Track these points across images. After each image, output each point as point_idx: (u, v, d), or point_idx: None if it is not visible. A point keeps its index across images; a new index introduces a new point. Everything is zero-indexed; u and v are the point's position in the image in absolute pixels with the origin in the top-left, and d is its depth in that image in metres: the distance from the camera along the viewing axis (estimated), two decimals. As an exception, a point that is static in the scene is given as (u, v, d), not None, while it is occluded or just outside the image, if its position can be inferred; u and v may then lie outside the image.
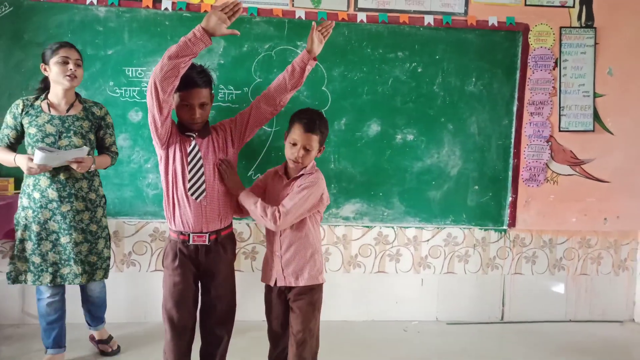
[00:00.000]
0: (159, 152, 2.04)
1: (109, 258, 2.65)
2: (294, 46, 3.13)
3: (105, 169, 2.68)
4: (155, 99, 1.86)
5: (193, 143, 2.01)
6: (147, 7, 3.02)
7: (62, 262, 2.50)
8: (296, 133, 2.00)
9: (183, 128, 2.04)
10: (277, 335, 2.16)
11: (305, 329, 2.03)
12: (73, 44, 2.52)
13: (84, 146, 2.43)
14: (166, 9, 3.02)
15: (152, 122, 1.95)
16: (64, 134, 2.45)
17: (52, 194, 2.44)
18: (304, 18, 3.12)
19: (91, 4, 2.98)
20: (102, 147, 2.64)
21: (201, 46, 1.83)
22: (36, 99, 2.51)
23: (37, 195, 2.44)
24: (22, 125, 2.46)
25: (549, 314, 3.51)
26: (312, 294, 2.07)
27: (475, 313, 3.46)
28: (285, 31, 3.12)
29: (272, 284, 2.10)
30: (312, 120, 2.01)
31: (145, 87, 3.05)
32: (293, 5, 3.13)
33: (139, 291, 3.23)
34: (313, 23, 2.06)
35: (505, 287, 3.49)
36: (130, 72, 3.05)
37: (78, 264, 2.50)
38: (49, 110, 2.47)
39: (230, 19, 1.85)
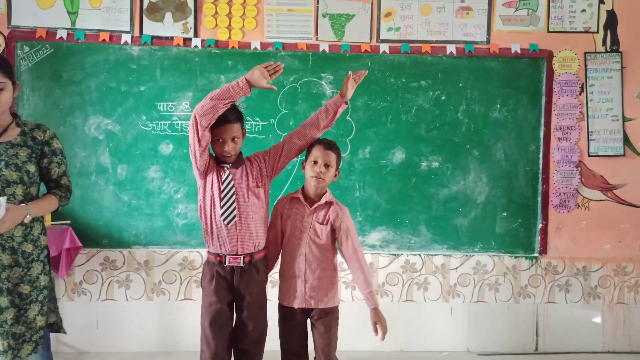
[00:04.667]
0: (199, 181, 2.20)
1: (42, 328, 2.02)
2: (318, 78, 3.21)
3: (54, 212, 2.10)
4: (195, 133, 2.05)
5: (227, 172, 2.16)
6: (178, 45, 3.15)
7: None
8: (316, 152, 2.20)
9: (219, 160, 2.20)
10: (296, 356, 2.26)
11: (331, 344, 2.23)
12: None
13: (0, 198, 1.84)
14: (196, 46, 3.15)
15: (192, 154, 2.12)
16: None
17: None
18: (327, 51, 3.20)
19: (125, 43, 3.13)
20: (49, 179, 2.08)
21: (241, 94, 2.03)
22: None
23: None
24: None
25: (585, 344, 3.38)
26: (333, 314, 2.26)
27: (508, 343, 3.36)
28: (310, 64, 3.21)
29: (295, 306, 2.21)
30: (328, 141, 2.25)
31: (176, 121, 3.17)
32: (317, 39, 3.22)
33: (169, 320, 3.27)
34: (350, 72, 2.27)
35: (538, 317, 3.39)
36: (161, 107, 3.17)
37: (2, 336, 1.93)
38: None
39: (270, 76, 2.06)
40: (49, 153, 2.06)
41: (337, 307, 2.29)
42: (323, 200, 2.22)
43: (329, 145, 2.22)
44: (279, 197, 3.18)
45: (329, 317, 2.24)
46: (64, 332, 2.22)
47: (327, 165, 2.19)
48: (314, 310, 2.23)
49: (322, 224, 2.21)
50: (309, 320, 2.28)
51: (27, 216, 1.93)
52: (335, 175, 2.26)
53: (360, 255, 2.25)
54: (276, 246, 2.31)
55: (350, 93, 2.26)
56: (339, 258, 2.32)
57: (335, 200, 2.27)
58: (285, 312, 2.25)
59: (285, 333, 2.26)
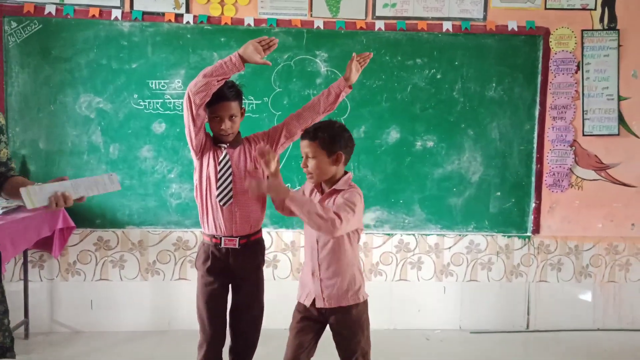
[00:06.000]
0: (195, 161, 2.17)
1: None
2: (313, 55, 3.17)
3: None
4: (188, 111, 2.02)
5: (224, 152, 2.12)
6: (170, 21, 3.09)
7: None
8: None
9: (216, 140, 2.16)
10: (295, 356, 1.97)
11: (356, 351, 1.94)
12: None
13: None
14: (188, 22, 3.09)
15: (187, 133, 2.09)
16: None
17: None
18: (322, 28, 3.15)
19: (116, 19, 3.07)
20: None
21: (234, 70, 1.97)
22: None
23: None
24: None
25: (576, 322, 3.43)
26: (357, 312, 1.95)
27: (499, 321, 3.41)
28: (304, 41, 3.16)
29: (307, 304, 1.98)
30: (309, 129, 2.01)
31: (168, 99, 3.13)
32: (311, 15, 3.16)
33: (163, 299, 3.27)
34: (353, 54, 2.17)
35: (530, 295, 3.43)
36: (153, 85, 3.12)
37: None
38: None
39: (265, 52, 1.98)
40: None
41: (360, 305, 1.95)
42: (330, 188, 1.96)
43: (304, 134, 2.00)
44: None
45: (349, 321, 1.94)
46: (13, 358, 1.78)
47: (307, 157, 1.94)
48: (332, 317, 1.94)
49: None
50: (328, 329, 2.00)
51: None
52: (336, 160, 1.93)
53: (335, 210, 1.82)
54: None
55: (354, 77, 2.19)
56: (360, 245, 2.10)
57: (351, 185, 1.98)
58: (297, 310, 2.03)
59: (291, 333, 2.01)
